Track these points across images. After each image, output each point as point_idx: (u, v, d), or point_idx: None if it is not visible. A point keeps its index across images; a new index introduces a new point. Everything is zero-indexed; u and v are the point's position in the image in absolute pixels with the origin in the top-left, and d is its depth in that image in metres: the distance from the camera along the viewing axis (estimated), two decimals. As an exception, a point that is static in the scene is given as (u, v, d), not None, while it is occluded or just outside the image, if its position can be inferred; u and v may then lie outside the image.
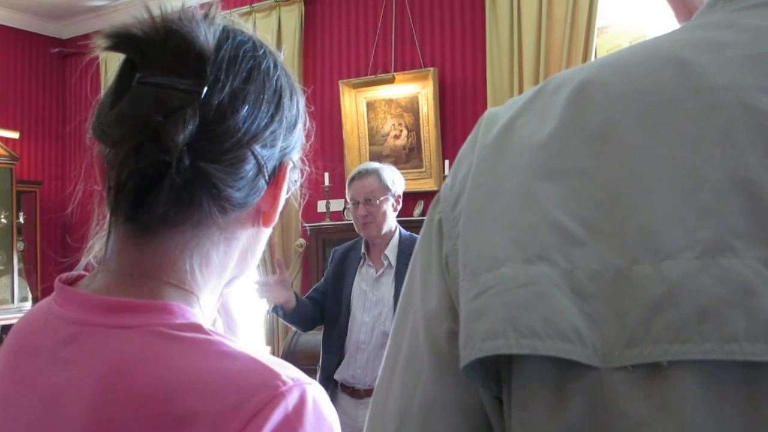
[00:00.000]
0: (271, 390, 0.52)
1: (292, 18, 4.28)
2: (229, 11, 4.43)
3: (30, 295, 5.24)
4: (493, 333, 0.39)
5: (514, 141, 0.45)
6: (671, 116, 0.39)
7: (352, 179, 2.60)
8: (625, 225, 0.38)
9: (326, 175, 4.01)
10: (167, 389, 0.53)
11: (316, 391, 0.56)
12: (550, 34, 3.45)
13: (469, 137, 0.49)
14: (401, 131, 3.93)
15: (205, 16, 0.61)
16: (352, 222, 2.64)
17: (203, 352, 0.56)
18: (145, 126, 0.56)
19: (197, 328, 0.58)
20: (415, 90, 3.87)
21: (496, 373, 0.41)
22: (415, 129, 3.88)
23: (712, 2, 0.45)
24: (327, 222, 4.00)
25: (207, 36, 0.59)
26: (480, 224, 0.43)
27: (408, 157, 3.89)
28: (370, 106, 4.01)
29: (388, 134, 3.97)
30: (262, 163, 0.62)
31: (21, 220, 5.27)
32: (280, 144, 0.64)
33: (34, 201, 5.43)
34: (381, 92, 3.97)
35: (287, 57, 4.28)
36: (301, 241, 4.21)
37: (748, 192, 0.36)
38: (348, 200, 2.64)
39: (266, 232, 0.70)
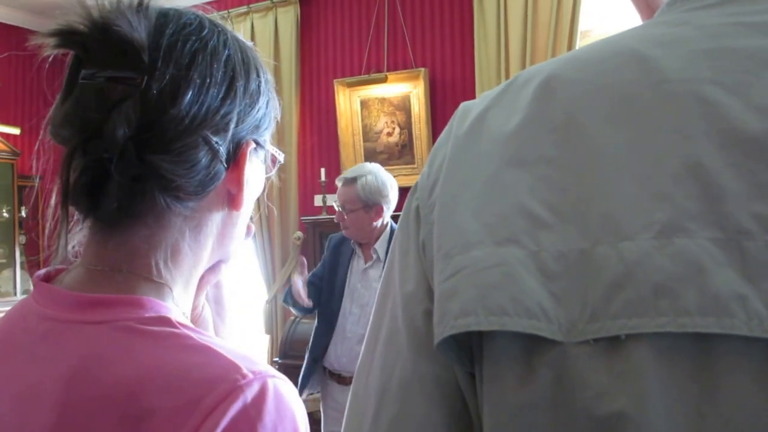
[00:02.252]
0: (230, 383, 0.52)
1: (288, 19, 4.35)
2: (227, 11, 4.54)
3: (32, 288, 5.31)
4: (465, 311, 0.40)
5: (485, 132, 0.46)
6: (630, 107, 0.41)
7: (339, 184, 2.64)
8: (588, 209, 0.39)
9: (322, 170, 4.10)
10: (129, 386, 0.52)
11: (279, 384, 0.55)
12: (536, 37, 3.56)
13: (445, 129, 0.51)
14: (394, 129, 4.02)
15: (139, 4, 0.59)
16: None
17: (168, 347, 0.55)
18: (88, 123, 0.56)
19: (165, 321, 0.57)
20: (406, 89, 3.96)
21: (469, 349, 0.43)
22: (407, 127, 3.98)
23: (671, 1, 0.46)
24: (323, 216, 4.11)
25: (140, 25, 0.57)
26: (453, 210, 0.45)
27: (401, 154, 4.00)
28: (364, 104, 4.10)
29: (381, 131, 4.07)
30: (216, 148, 0.60)
31: (23, 214, 5.35)
32: (235, 126, 0.62)
33: (36, 196, 5.51)
34: (374, 91, 4.06)
35: (284, 56, 4.35)
36: (299, 234, 4.32)
37: (700, 177, 0.37)
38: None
39: (240, 215, 0.67)
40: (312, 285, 2.69)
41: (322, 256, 2.84)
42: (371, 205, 2.54)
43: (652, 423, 0.35)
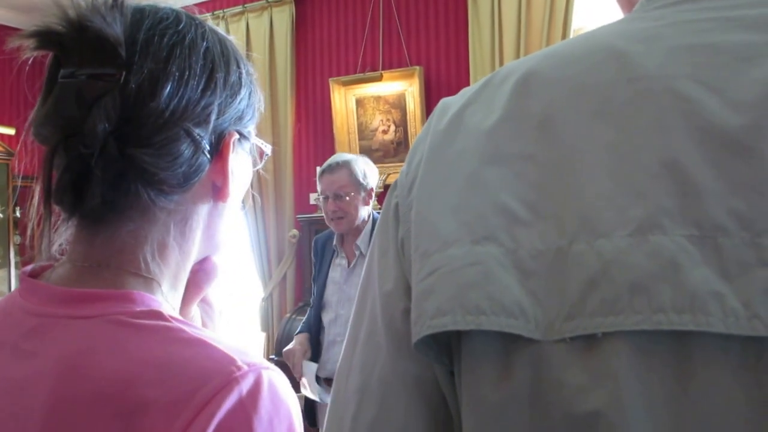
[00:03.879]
0: (225, 376, 0.52)
1: (283, 18, 4.36)
2: (221, 11, 4.54)
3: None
4: (442, 311, 0.40)
5: (463, 128, 0.46)
6: (607, 104, 0.41)
7: (323, 172, 2.51)
8: (564, 206, 0.39)
9: (318, 169, 4.11)
10: (123, 379, 0.52)
11: (273, 376, 0.55)
12: (529, 35, 3.57)
13: (424, 126, 0.50)
14: (389, 127, 4.04)
15: (114, 1, 0.59)
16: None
17: (161, 340, 0.55)
18: (68, 120, 0.56)
19: (157, 315, 0.57)
20: (402, 87, 3.97)
21: (448, 347, 0.42)
22: (402, 125, 3.99)
23: None
24: (319, 213, 4.12)
25: (115, 21, 0.57)
26: (431, 208, 0.44)
27: (396, 151, 4.01)
28: (359, 102, 4.11)
29: (376, 129, 4.08)
30: (198, 140, 0.60)
31: (17, 214, 5.34)
32: (216, 117, 0.62)
33: (31, 196, 5.50)
34: (369, 89, 4.07)
35: (279, 55, 4.35)
36: (294, 232, 4.33)
37: (676, 173, 0.37)
38: (319, 193, 2.53)
39: (228, 208, 0.67)
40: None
41: (313, 262, 2.73)
42: (367, 187, 2.45)
43: (629, 421, 0.35)
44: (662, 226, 0.36)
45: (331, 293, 2.50)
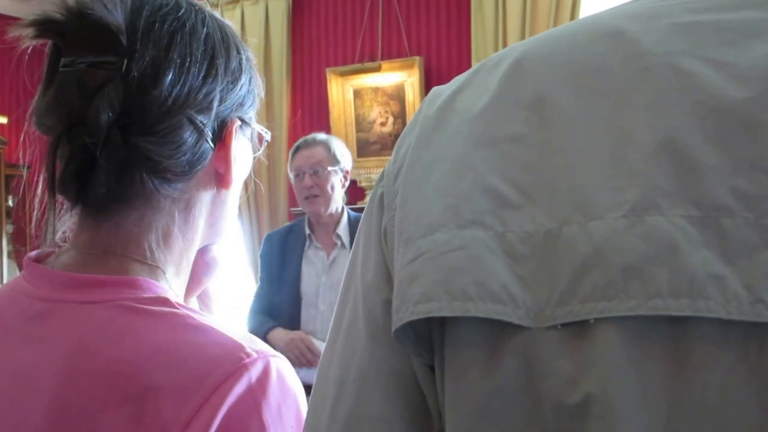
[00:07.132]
0: (234, 362, 0.52)
1: (279, 6, 4.28)
2: (217, -2, 4.46)
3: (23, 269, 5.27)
4: (427, 296, 0.39)
5: (453, 113, 0.45)
6: (602, 82, 0.40)
7: (297, 148, 2.33)
8: (556, 188, 0.38)
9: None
10: (131, 364, 0.52)
11: (281, 363, 0.56)
12: (534, 24, 3.48)
13: (414, 115, 0.50)
14: (387, 119, 3.97)
15: None
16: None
17: (169, 326, 0.55)
18: (71, 110, 0.56)
19: (164, 301, 0.58)
20: (401, 78, 3.90)
21: (428, 339, 0.41)
22: (401, 117, 3.91)
23: None
24: (314, 208, 4.06)
25: (116, 8, 0.58)
26: (417, 193, 0.43)
27: (394, 144, 3.92)
28: (357, 93, 4.04)
29: (374, 121, 4.01)
30: (201, 127, 0.60)
31: (10, 203, 5.29)
32: (218, 104, 0.62)
33: (30, 185, 5.44)
34: (368, 80, 4.00)
35: (275, 45, 4.27)
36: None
37: (675, 152, 0.36)
38: (291, 172, 2.35)
39: (230, 195, 0.68)
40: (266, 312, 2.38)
41: (262, 269, 2.43)
42: (343, 168, 2.32)
43: (622, 410, 0.34)
44: (659, 206, 0.35)
45: (307, 288, 2.29)
